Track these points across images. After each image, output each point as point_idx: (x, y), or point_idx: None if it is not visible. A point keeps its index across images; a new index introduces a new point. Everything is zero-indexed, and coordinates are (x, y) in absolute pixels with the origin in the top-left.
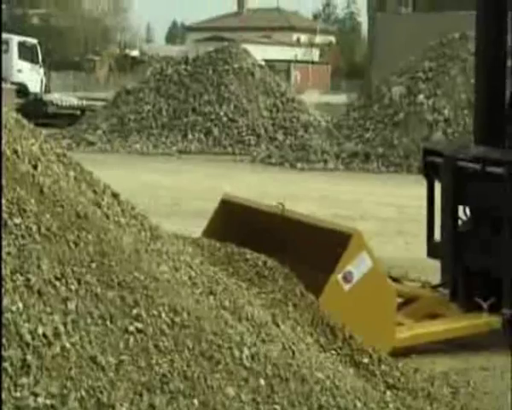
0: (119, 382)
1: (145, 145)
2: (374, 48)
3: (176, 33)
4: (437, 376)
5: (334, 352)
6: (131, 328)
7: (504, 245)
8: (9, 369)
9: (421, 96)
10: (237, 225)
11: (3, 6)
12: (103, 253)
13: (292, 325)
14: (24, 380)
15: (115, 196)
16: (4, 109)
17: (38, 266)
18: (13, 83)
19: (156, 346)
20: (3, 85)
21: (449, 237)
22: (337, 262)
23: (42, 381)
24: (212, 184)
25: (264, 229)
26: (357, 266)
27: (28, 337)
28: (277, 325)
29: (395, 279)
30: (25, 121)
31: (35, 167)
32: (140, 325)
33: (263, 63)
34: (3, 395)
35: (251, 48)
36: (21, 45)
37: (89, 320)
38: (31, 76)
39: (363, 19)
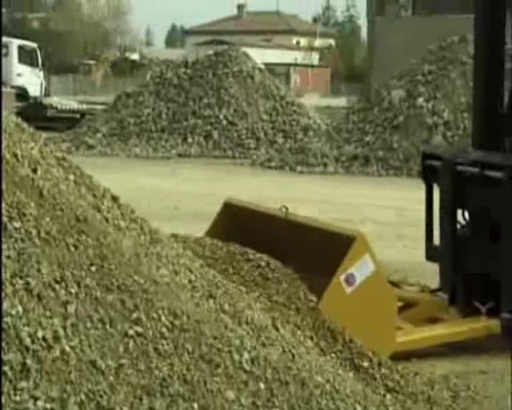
0: (118, 385)
1: (145, 149)
2: (373, 51)
3: (175, 37)
4: (437, 379)
5: (333, 355)
6: (131, 332)
7: (503, 249)
8: (9, 373)
9: (420, 100)
10: (240, 227)
11: (3, 10)
12: (103, 256)
13: (292, 328)
14: (24, 384)
15: (115, 199)
16: (4, 113)
17: (38, 270)
18: (13, 86)
19: (156, 349)
20: (3, 89)
21: (448, 241)
22: (340, 264)
23: (41, 385)
24: (211, 187)
25: (268, 232)
26: (359, 269)
27: (28, 341)
28: (277, 329)
29: (394, 284)
30: (24, 125)
31: (35, 171)
32: (140, 329)
33: (262, 66)
34: (3, 399)
35: (251, 51)
36: (21, 49)
37: (88, 324)
38: (30, 80)
39: (363, 22)
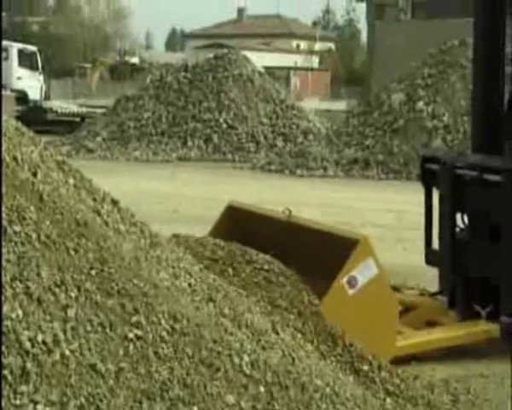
0: (118, 389)
1: (145, 152)
2: (373, 55)
3: (175, 40)
4: (437, 383)
5: (334, 359)
6: (131, 335)
7: (502, 253)
8: (9, 377)
9: (420, 103)
10: (243, 230)
11: (3, 13)
12: (103, 260)
13: (292, 332)
14: (23, 388)
15: (115, 203)
16: (4, 117)
17: (38, 274)
18: (12, 90)
19: (156, 353)
20: (3, 92)
21: (447, 245)
22: (342, 267)
23: (41, 388)
24: (211, 190)
25: (271, 234)
26: (362, 272)
27: (28, 345)
28: (277, 333)
29: (393, 288)
30: (24, 128)
31: (35, 175)
32: (140, 333)
33: (262, 70)
34: (3, 403)
35: (250, 55)
36: (21, 53)
37: (88, 328)
38: (30, 83)
39: (363, 26)
